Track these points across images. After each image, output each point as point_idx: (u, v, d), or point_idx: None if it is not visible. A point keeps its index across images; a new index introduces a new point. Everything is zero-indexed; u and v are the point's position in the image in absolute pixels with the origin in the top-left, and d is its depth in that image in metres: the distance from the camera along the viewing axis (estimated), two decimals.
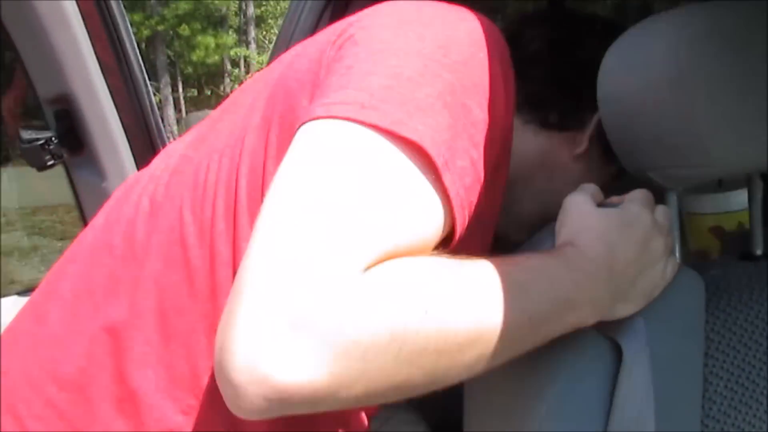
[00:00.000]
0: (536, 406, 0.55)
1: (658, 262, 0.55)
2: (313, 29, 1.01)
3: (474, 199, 0.48)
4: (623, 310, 0.53)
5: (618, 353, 0.54)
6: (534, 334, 0.47)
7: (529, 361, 0.49)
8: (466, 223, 0.48)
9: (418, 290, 0.40)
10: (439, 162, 0.45)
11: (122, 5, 0.98)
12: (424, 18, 0.53)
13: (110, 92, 0.97)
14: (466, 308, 0.42)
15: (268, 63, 1.11)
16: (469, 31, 0.52)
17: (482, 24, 0.53)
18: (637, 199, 0.55)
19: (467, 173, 0.47)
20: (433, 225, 0.45)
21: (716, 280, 0.65)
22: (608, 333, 0.54)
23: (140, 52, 1.01)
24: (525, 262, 0.49)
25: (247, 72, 15.48)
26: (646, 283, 0.54)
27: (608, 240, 0.51)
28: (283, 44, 1.06)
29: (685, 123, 0.56)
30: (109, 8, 0.96)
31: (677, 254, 0.67)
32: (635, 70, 0.58)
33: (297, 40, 1.03)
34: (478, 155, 0.48)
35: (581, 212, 0.54)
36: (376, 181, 0.43)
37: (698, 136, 0.56)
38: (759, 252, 0.69)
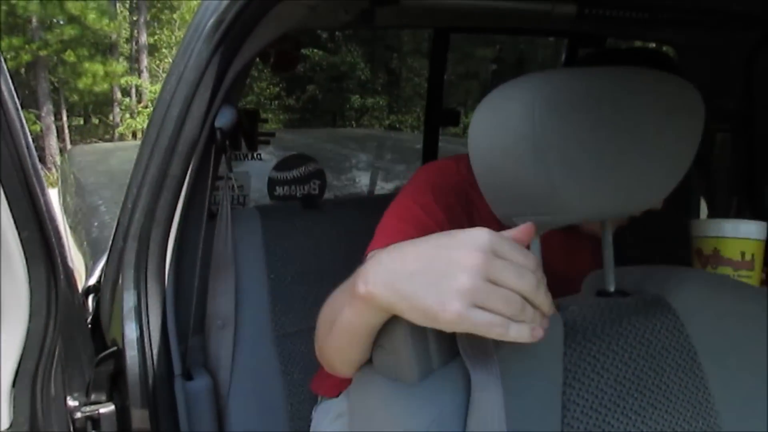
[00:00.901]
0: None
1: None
2: (207, 64, 1.01)
3: None
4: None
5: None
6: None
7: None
8: None
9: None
10: None
11: None
12: None
13: None
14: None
15: (159, 95, 1.10)
16: None
17: None
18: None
19: None
20: None
21: (574, 315, 0.71)
22: (467, 361, 0.58)
23: (20, 79, 0.96)
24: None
25: (139, 101, 14.93)
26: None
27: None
28: (174, 76, 1.06)
29: (543, 176, 0.62)
30: None
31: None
32: (498, 128, 0.64)
33: (189, 74, 1.03)
34: None
35: None
36: None
37: (554, 187, 0.62)
38: (611, 289, 0.77)
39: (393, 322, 0.59)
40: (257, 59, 1.27)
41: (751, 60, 1.77)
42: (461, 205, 0.97)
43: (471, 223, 0.96)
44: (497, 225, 0.80)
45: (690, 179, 1.92)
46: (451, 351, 0.60)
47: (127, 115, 14.58)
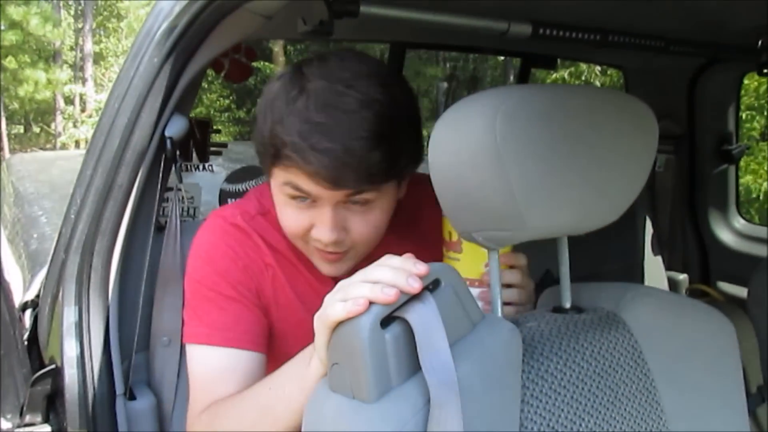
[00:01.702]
0: None
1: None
2: (158, 70, 0.98)
3: None
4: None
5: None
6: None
7: None
8: None
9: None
10: None
11: None
12: None
13: None
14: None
15: (106, 103, 1.06)
16: None
17: None
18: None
19: None
20: None
21: (532, 332, 0.71)
22: (427, 378, 0.57)
23: None
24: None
25: (83, 110, 14.50)
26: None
27: None
28: (123, 83, 1.02)
29: (502, 191, 0.62)
30: None
31: (499, 309, 0.73)
32: (459, 141, 0.63)
33: (139, 81, 0.99)
34: None
35: None
36: None
37: (513, 203, 0.62)
38: (567, 305, 0.77)
39: (350, 337, 0.57)
40: (210, 68, 1.24)
41: (694, 84, 1.84)
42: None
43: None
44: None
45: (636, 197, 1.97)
46: (410, 367, 0.58)
47: (70, 125, 14.13)
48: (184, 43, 0.98)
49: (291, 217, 0.86)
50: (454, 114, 0.65)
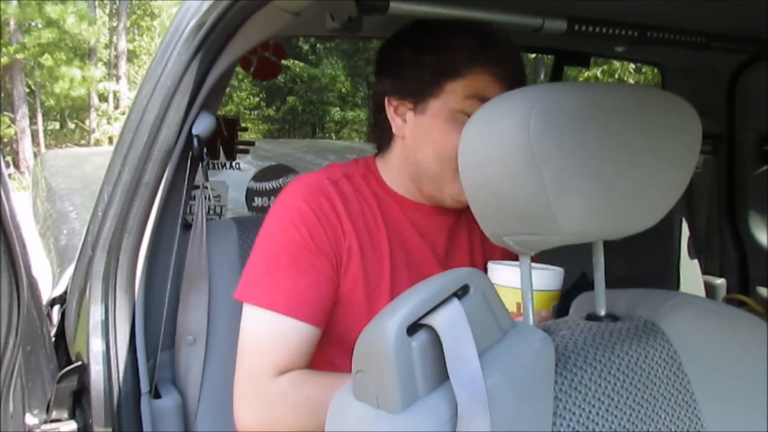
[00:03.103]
0: None
1: None
2: (185, 67, 0.97)
3: None
4: None
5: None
6: None
7: None
8: None
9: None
10: None
11: None
12: None
13: None
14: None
15: (135, 100, 1.06)
16: None
17: None
18: None
19: None
20: None
21: (565, 341, 0.68)
22: (455, 388, 0.54)
23: None
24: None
25: (116, 107, 14.75)
26: None
27: None
28: (151, 80, 1.02)
29: (537, 193, 0.59)
30: None
31: (531, 316, 0.70)
32: (491, 141, 0.61)
33: (167, 78, 0.99)
34: None
35: None
36: None
37: (548, 206, 0.59)
38: (602, 313, 0.74)
39: (375, 343, 0.55)
40: (238, 66, 1.23)
41: (734, 82, 1.78)
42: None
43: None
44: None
45: None
46: (438, 377, 0.56)
47: (104, 121, 14.39)
48: (212, 40, 0.97)
49: None
50: (486, 113, 0.62)
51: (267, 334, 0.91)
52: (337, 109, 13.28)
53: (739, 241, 1.91)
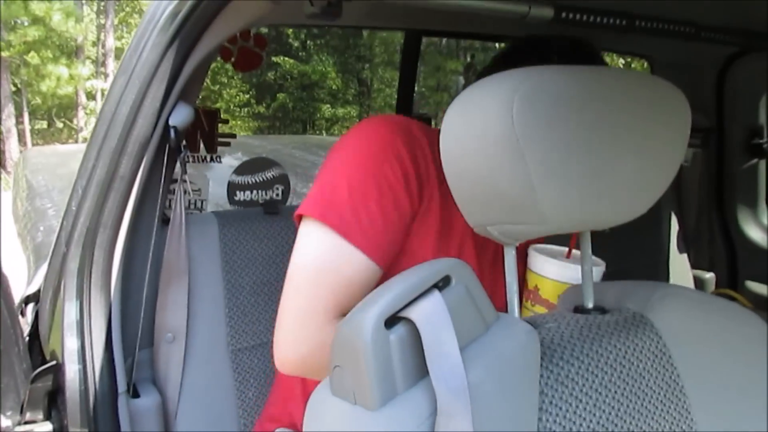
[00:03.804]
0: None
1: None
2: (161, 57, 0.94)
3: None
4: None
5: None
6: None
7: None
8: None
9: None
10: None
11: None
12: None
13: None
14: None
15: (109, 91, 1.03)
16: None
17: None
18: None
19: None
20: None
21: (551, 334, 0.66)
22: (435, 384, 0.52)
23: None
24: None
25: None
26: None
27: None
28: (126, 70, 0.98)
29: (520, 181, 0.56)
30: None
31: (516, 309, 0.68)
32: (472, 127, 0.58)
33: (142, 68, 0.96)
34: None
35: None
36: None
37: (531, 194, 0.57)
38: (590, 305, 0.72)
39: (351, 338, 0.52)
40: (218, 56, 1.20)
41: (723, 75, 1.76)
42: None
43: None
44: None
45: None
46: (417, 372, 0.54)
47: (92, 120, 14.26)
48: (188, 29, 0.94)
49: None
50: (468, 97, 0.60)
51: (332, 265, 0.79)
52: (328, 106, 13.24)
53: (728, 235, 1.90)
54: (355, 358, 0.51)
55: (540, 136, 0.56)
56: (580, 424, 0.62)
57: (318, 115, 13.32)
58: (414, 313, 0.53)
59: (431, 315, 0.53)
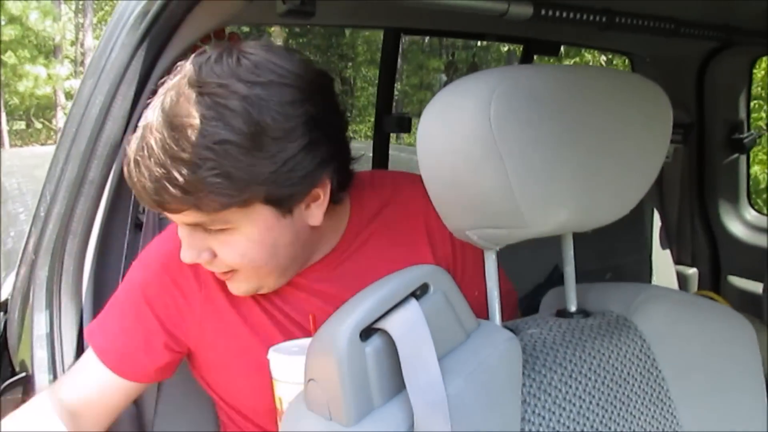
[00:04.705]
0: None
1: None
2: (131, 57, 0.91)
3: None
4: None
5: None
6: None
7: None
8: None
9: None
10: None
11: None
12: None
13: None
14: None
15: (78, 92, 0.99)
16: None
17: None
18: None
19: None
20: None
21: (533, 340, 0.64)
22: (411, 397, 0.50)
23: None
24: None
25: None
26: None
27: None
28: (94, 73, 0.95)
29: (498, 184, 0.55)
30: None
31: (497, 316, 0.66)
32: (450, 127, 0.56)
33: (111, 69, 0.93)
34: None
35: None
36: None
37: (510, 197, 0.55)
38: (573, 309, 0.70)
39: (325, 351, 0.50)
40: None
41: (704, 71, 1.76)
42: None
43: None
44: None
45: None
46: (395, 384, 0.52)
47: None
48: (159, 27, 0.91)
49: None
50: (445, 98, 0.58)
51: (79, 363, 0.86)
52: None
53: (710, 230, 1.91)
54: (329, 372, 0.49)
55: (518, 136, 0.54)
56: None
57: None
58: (390, 324, 0.51)
59: (408, 325, 0.51)
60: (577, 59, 6.47)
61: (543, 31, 1.60)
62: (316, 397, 0.51)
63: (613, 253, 1.72)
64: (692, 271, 1.97)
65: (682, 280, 1.96)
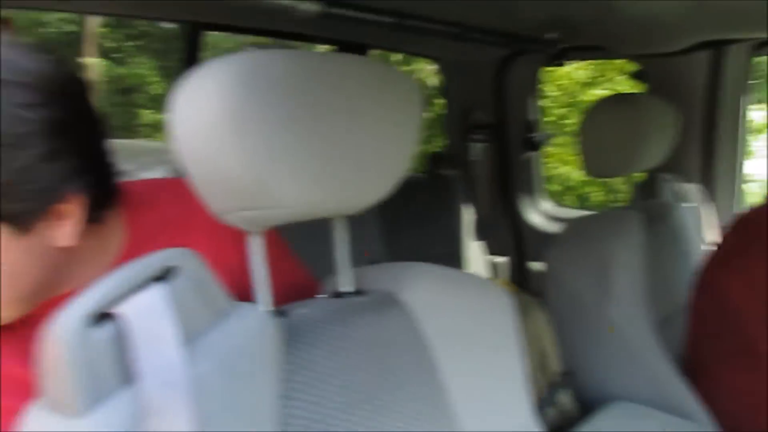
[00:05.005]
0: None
1: None
2: None
3: None
4: None
5: None
6: None
7: None
8: None
9: None
10: None
11: None
12: None
13: None
14: None
15: None
16: None
17: None
18: None
19: None
20: None
21: (299, 319, 0.66)
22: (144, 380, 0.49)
23: None
24: None
25: None
26: None
27: None
28: None
29: (244, 164, 0.55)
30: None
31: (266, 297, 0.67)
32: (197, 112, 0.56)
33: None
34: None
35: None
36: None
37: (259, 178, 0.56)
38: (345, 289, 0.73)
39: (50, 340, 0.48)
40: None
41: (501, 76, 1.92)
42: None
43: None
44: None
45: (453, 183, 2.03)
46: (134, 371, 0.50)
47: None
48: None
49: None
50: (191, 82, 0.58)
51: None
52: (150, 111, 12.50)
53: (515, 222, 2.08)
54: (54, 362, 0.47)
55: (260, 118, 0.55)
56: (330, 406, 0.63)
57: (137, 121, 12.54)
58: (125, 308, 0.49)
59: (146, 309, 0.50)
60: (405, 68, 6.72)
61: (352, 34, 1.65)
62: (45, 389, 0.49)
63: (429, 245, 1.81)
64: (503, 260, 2.14)
65: (494, 268, 2.11)
